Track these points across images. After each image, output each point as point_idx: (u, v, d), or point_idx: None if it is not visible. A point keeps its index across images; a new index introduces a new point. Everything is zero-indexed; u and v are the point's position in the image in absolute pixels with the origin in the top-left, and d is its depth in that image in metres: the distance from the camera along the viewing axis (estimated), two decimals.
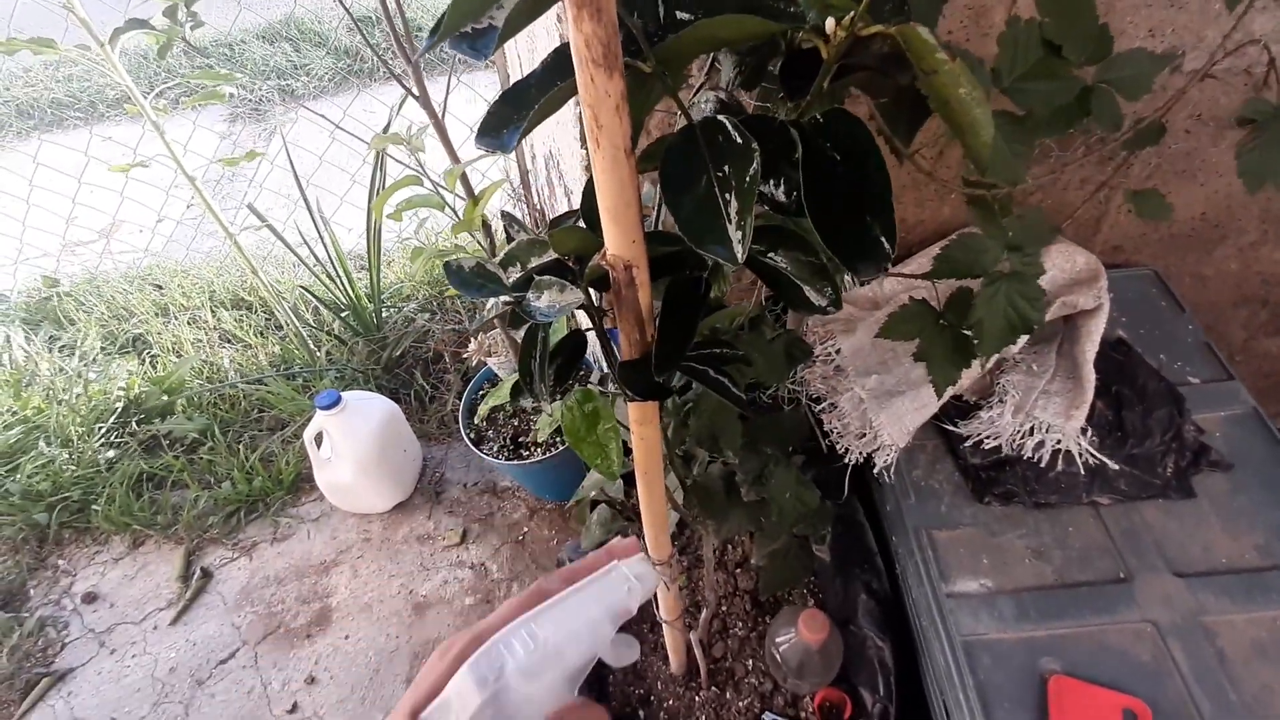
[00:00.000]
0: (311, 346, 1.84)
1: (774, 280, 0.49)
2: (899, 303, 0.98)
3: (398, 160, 1.03)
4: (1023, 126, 0.62)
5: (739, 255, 0.39)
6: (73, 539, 1.63)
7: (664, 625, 0.87)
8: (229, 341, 1.97)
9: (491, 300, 0.52)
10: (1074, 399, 0.90)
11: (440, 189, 1.06)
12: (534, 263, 0.51)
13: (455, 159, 1.19)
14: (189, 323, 1.99)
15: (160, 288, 2.12)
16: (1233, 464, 0.91)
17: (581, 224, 0.52)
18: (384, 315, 1.91)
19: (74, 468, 1.65)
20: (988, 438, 0.93)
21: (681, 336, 0.49)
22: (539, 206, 1.83)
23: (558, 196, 1.53)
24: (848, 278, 0.89)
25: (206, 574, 1.53)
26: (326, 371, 1.80)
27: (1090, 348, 0.90)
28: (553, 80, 0.42)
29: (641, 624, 1.10)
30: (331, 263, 1.79)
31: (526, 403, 0.56)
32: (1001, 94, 0.62)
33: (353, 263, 2.06)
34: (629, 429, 0.61)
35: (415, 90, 1.01)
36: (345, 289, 1.81)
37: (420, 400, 1.79)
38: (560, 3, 0.38)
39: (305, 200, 1.69)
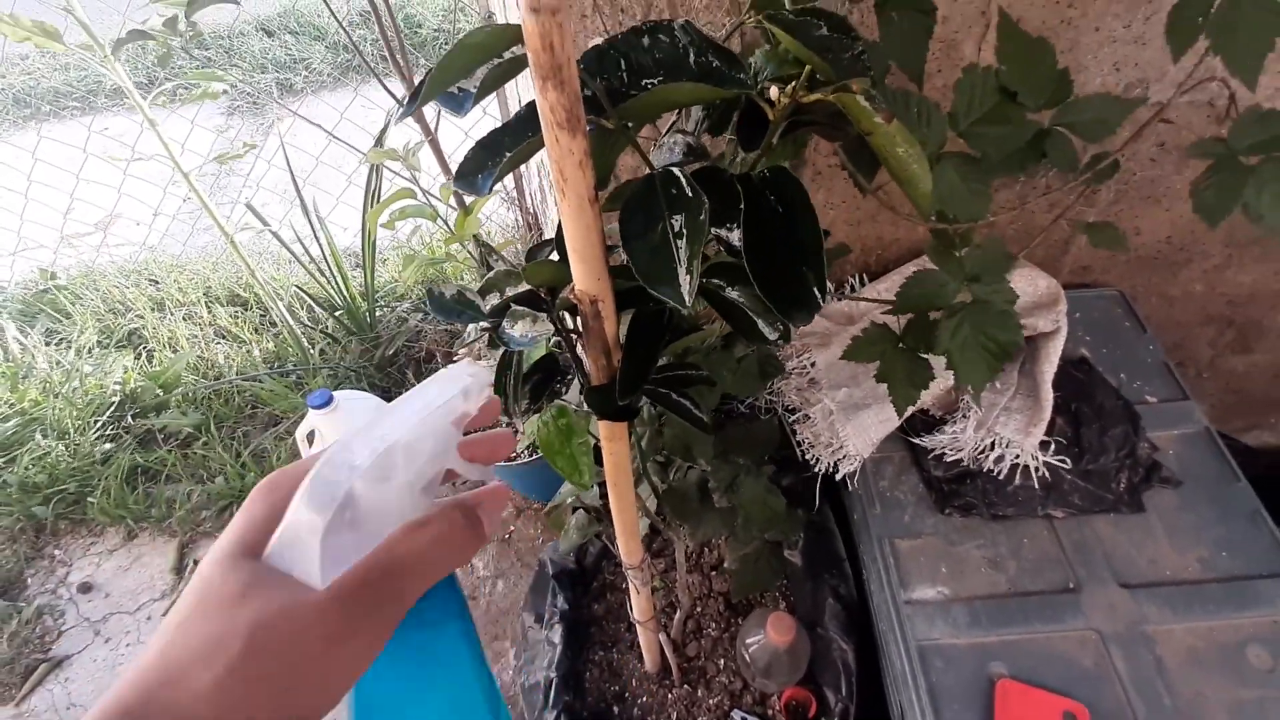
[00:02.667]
0: (305, 344, 1.87)
1: (729, 313, 0.53)
2: (872, 318, 1.02)
3: (393, 170, 1.06)
4: (978, 168, 0.66)
5: (686, 299, 0.43)
6: (69, 530, 1.67)
7: (637, 626, 0.92)
8: (224, 338, 2.00)
9: (470, 326, 0.55)
10: (1033, 416, 0.95)
11: (432, 197, 1.09)
12: (510, 291, 0.55)
13: (449, 173, 1.23)
14: (185, 318, 2.02)
15: (156, 282, 2.15)
16: (1182, 481, 0.95)
17: (555, 256, 0.56)
18: (377, 314, 1.94)
19: (70, 460, 1.68)
20: (951, 451, 0.97)
21: (644, 364, 0.52)
22: (532, 210, 1.87)
23: (549, 204, 1.56)
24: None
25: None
26: (320, 369, 1.83)
27: (1049, 368, 0.94)
28: (525, 131, 0.46)
29: (619, 623, 1.14)
30: (327, 262, 1.83)
31: (502, 418, 0.60)
32: (958, 137, 0.66)
33: (348, 260, 2.10)
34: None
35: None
36: (340, 288, 1.84)
37: None
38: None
39: (301, 201, 1.72)
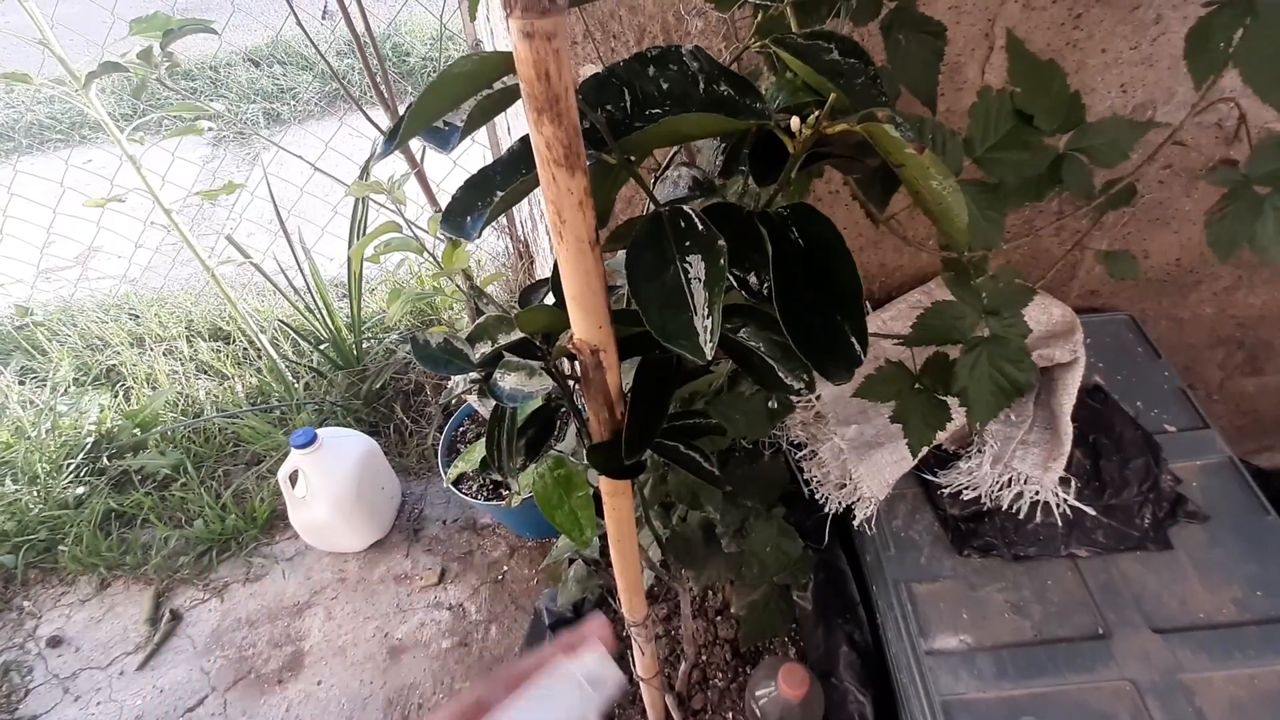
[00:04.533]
0: (290, 379, 1.81)
1: (746, 360, 0.49)
2: (880, 350, 0.98)
3: (379, 203, 1.02)
4: (995, 195, 0.62)
5: (707, 351, 0.38)
6: (38, 579, 1.58)
7: (641, 683, 0.86)
8: (205, 373, 1.93)
9: (458, 377, 0.51)
10: (1052, 450, 0.91)
11: (418, 228, 1.05)
12: (502, 339, 0.50)
13: (436, 205, 1.19)
14: (165, 354, 1.96)
15: (136, 317, 2.09)
16: (1209, 515, 0.91)
17: (551, 299, 0.52)
18: (364, 347, 1.89)
19: (41, 506, 1.61)
20: (967, 488, 0.92)
21: (653, 419, 0.48)
22: (523, 239, 1.83)
23: (540, 232, 1.52)
24: None
25: (176, 616, 1.49)
26: (305, 405, 1.77)
27: (1067, 401, 0.90)
28: (517, 169, 0.41)
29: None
30: (311, 294, 1.77)
31: (495, 475, 0.55)
32: (974, 163, 0.62)
33: (334, 291, 2.05)
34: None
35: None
36: (325, 321, 1.79)
37: (400, 434, 1.77)
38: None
39: (285, 233, 1.67)
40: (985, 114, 0.61)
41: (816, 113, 0.39)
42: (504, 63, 0.34)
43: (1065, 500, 0.90)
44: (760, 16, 0.55)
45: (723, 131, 0.44)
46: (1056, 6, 0.82)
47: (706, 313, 0.39)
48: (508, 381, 0.47)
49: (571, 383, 0.51)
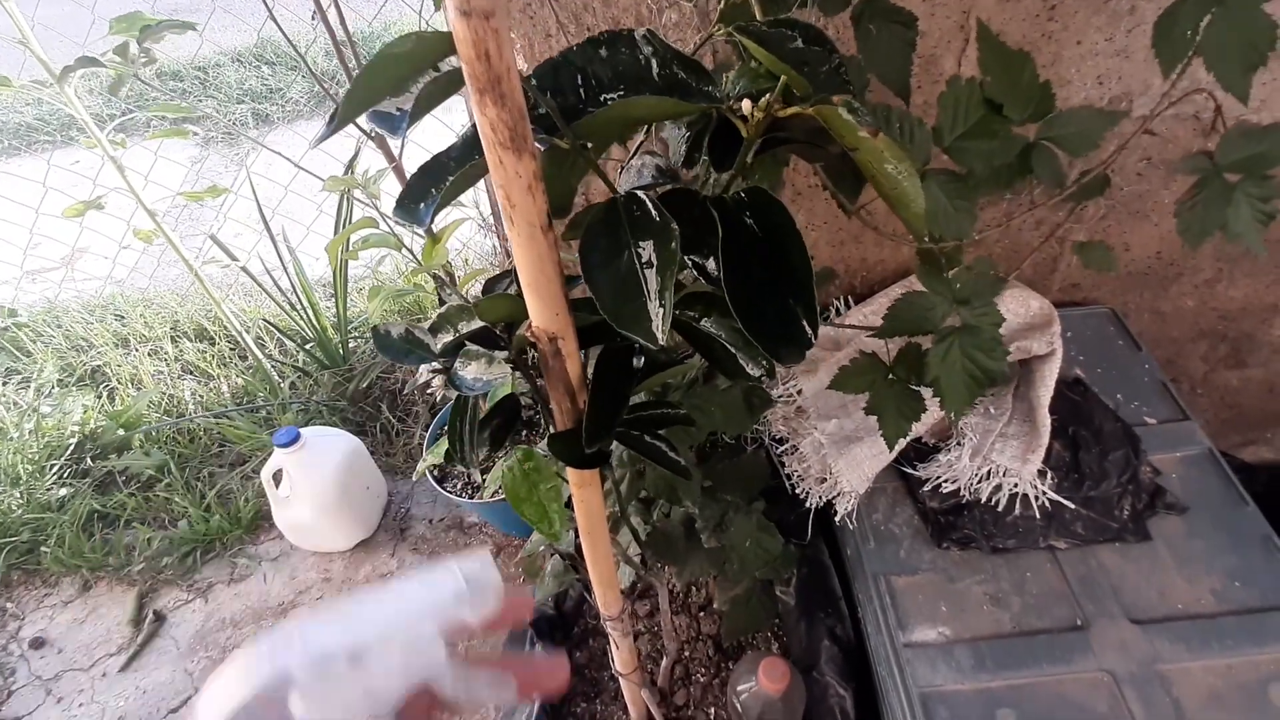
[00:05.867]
0: (275, 379, 1.80)
1: (708, 348, 0.49)
2: (859, 345, 0.98)
3: (364, 202, 1.02)
4: (964, 184, 0.62)
5: (659, 337, 0.38)
6: (21, 581, 1.57)
7: (620, 679, 0.85)
8: (191, 373, 1.92)
9: (422, 367, 0.50)
10: (1030, 442, 0.91)
11: (398, 224, 1.04)
12: (464, 328, 0.50)
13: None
14: (150, 354, 1.95)
15: (121, 318, 2.08)
16: (1188, 506, 0.91)
17: (515, 289, 0.51)
18: (350, 346, 1.88)
19: (24, 507, 1.60)
20: (946, 481, 0.92)
21: (613, 407, 0.47)
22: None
23: None
24: None
25: (159, 617, 1.48)
26: (290, 405, 1.76)
27: (1045, 393, 0.90)
28: (470, 154, 0.41)
29: (601, 670, 1.08)
30: (297, 293, 1.77)
31: (459, 466, 0.54)
32: (943, 152, 0.62)
33: (320, 291, 2.04)
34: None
35: (371, 133, 1.00)
36: (310, 320, 1.78)
37: (387, 433, 1.76)
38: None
39: (270, 234, 1.67)
40: (954, 103, 0.61)
41: (769, 96, 0.39)
42: (443, 42, 0.34)
43: (1044, 492, 0.89)
44: (724, 4, 0.55)
45: (673, 115, 0.44)
46: None
47: (659, 299, 0.38)
48: (469, 371, 0.46)
49: (535, 375, 0.50)
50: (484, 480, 0.97)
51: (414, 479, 1.28)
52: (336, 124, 0.34)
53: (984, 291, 0.65)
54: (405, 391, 1.29)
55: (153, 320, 2.04)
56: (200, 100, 3.37)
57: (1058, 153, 0.66)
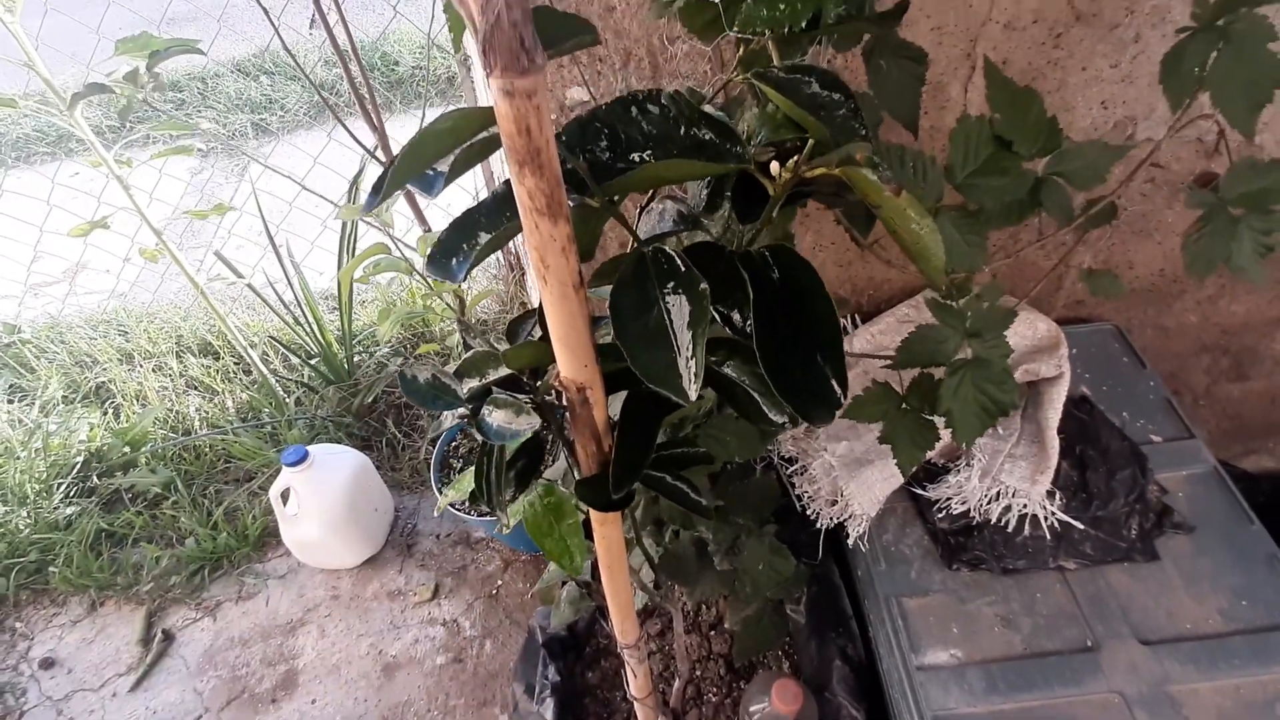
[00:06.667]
0: (281, 394, 1.81)
1: (729, 393, 0.49)
2: (868, 355, 0.98)
3: (369, 222, 1.03)
4: (976, 219, 0.63)
5: (690, 393, 0.39)
6: (30, 600, 1.57)
7: (635, 703, 0.86)
8: (196, 388, 1.92)
9: (447, 413, 0.51)
10: (1039, 463, 0.91)
11: (407, 247, 1.05)
12: (491, 375, 0.50)
13: (424, 224, 1.19)
14: (154, 370, 1.95)
15: (125, 333, 2.08)
16: (1195, 525, 0.92)
17: (538, 332, 0.52)
18: (356, 360, 1.88)
19: (31, 527, 1.60)
20: (956, 502, 0.93)
21: (640, 453, 0.48)
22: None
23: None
24: None
25: (168, 636, 1.48)
26: (296, 421, 1.77)
27: (1053, 415, 0.91)
28: (501, 211, 0.42)
29: (614, 691, 1.08)
30: (301, 308, 1.77)
31: (484, 507, 0.55)
32: (955, 189, 0.63)
33: (324, 304, 2.04)
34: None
35: (383, 157, 1.00)
36: (315, 335, 1.79)
37: (393, 448, 1.77)
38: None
39: (275, 250, 1.67)
40: (965, 140, 0.62)
41: (796, 157, 0.39)
42: (484, 118, 0.34)
43: (1053, 513, 0.90)
44: (742, 50, 0.56)
45: (703, 175, 0.45)
46: (1036, 26, 0.83)
47: (690, 354, 0.39)
48: (495, 418, 0.47)
49: (559, 417, 0.51)
50: (504, 521, 0.97)
51: (435, 514, 1.29)
52: (383, 195, 0.35)
53: (995, 325, 0.66)
54: (431, 436, 1.30)
55: (156, 335, 2.04)
56: (200, 110, 3.37)
57: (1065, 186, 0.67)
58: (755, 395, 0.49)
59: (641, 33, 0.82)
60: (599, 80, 0.86)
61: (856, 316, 1.15)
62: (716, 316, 0.43)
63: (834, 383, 0.37)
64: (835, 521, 0.95)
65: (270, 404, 1.82)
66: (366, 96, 1.12)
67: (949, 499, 0.93)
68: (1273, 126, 0.93)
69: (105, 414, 1.86)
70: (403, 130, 1.62)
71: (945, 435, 0.92)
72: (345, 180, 1.80)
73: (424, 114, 1.52)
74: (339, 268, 1.74)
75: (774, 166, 0.40)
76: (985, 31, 0.84)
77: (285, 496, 1.42)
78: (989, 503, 0.92)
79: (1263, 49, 0.56)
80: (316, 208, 2.11)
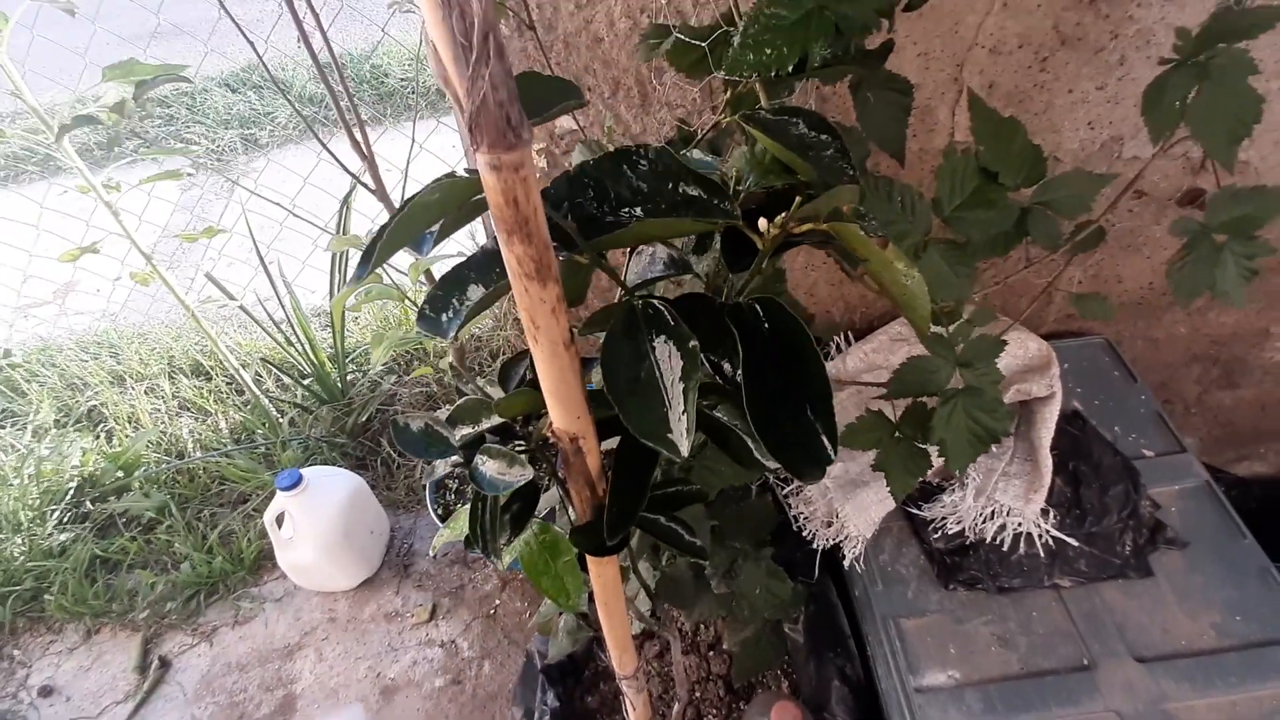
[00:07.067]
0: (274, 415, 1.80)
1: (722, 438, 0.49)
2: (859, 384, 0.99)
3: (363, 244, 1.02)
4: (964, 252, 0.63)
5: (683, 448, 0.39)
6: (26, 628, 1.56)
7: None
8: (188, 410, 1.92)
9: (440, 461, 0.51)
10: (1032, 481, 0.92)
11: (399, 271, 1.05)
12: (484, 423, 0.50)
13: (415, 251, 1.18)
14: (146, 392, 1.94)
15: (117, 355, 2.07)
16: (1188, 541, 0.93)
17: (530, 374, 0.52)
18: (349, 379, 1.88)
19: (26, 554, 1.59)
20: (951, 521, 0.94)
21: (634, 499, 0.48)
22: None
23: None
24: None
25: (165, 663, 1.47)
26: (290, 441, 1.76)
27: (1046, 434, 0.92)
28: (492, 268, 0.42)
29: (613, 715, 1.08)
30: (293, 328, 1.77)
31: (477, 551, 0.55)
32: (943, 223, 0.64)
33: (316, 321, 2.03)
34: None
35: (372, 185, 1.00)
36: (308, 355, 1.78)
37: (388, 467, 1.76)
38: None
39: (266, 271, 1.67)
40: (951, 174, 0.63)
41: (784, 214, 0.40)
42: (471, 187, 0.35)
43: (1047, 530, 0.91)
44: (729, 93, 0.56)
45: (691, 233, 0.45)
46: (1022, 51, 0.84)
47: (682, 409, 0.39)
48: (489, 469, 0.47)
49: (553, 462, 0.51)
50: (499, 566, 0.96)
51: (431, 554, 1.29)
52: (372, 266, 0.35)
53: (985, 354, 0.66)
54: (424, 482, 1.29)
55: (148, 357, 2.03)
56: (189, 127, 3.36)
57: (1051, 215, 0.67)
58: (748, 440, 0.49)
59: (630, 63, 0.82)
60: (589, 110, 0.87)
61: (849, 334, 1.15)
62: (707, 365, 0.43)
63: (824, 438, 0.38)
64: (831, 542, 0.95)
65: (264, 425, 1.81)
66: (353, 120, 1.12)
67: (944, 519, 0.93)
68: (1258, 143, 0.94)
69: (98, 438, 1.85)
70: (392, 145, 1.62)
71: (937, 461, 0.92)
72: (336, 199, 1.80)
73: (414, 128, 1.51)
74: (331, 292, 1.74)
75: (762, 223, 0.40)
76: (971, 56, 0.84)
77: (280, 520, 1.41)
78: (984, 522, 0.92)
79: (1243, 84, 0.56)
80: (308, 225, 2.11)
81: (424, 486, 1.67)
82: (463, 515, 1.01)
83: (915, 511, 0.97)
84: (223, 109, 3.46)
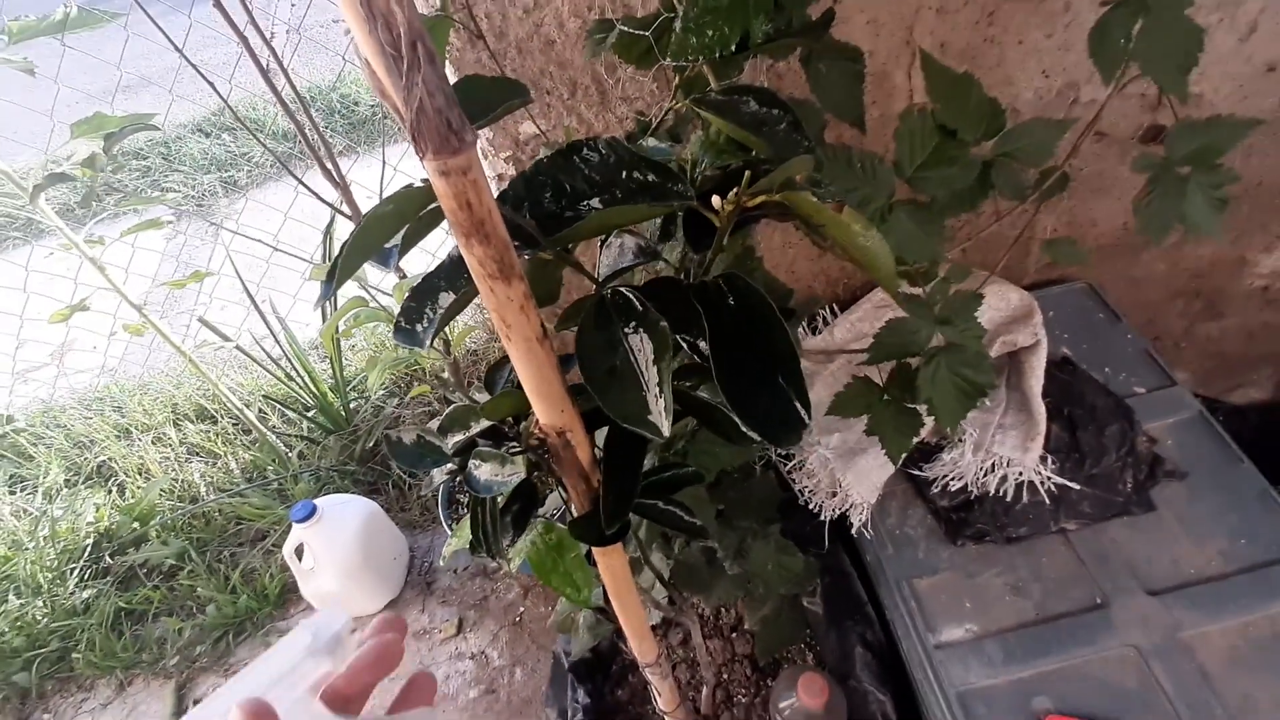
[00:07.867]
0: (283, 450, 1.81)
1: (708, 417, 0.51)
2: (849, 351, 1.00)
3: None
4: (930, 211, 0.64)
5: (664, 428, 0.40)
6: (56, 690, 1.58)
7: (666, 717, 0.87)
8: (198, 454, 1.93)
9: (435, 470, 0.52)
10: (1029, 431, 0.93)
11: (385, 294, 1.06)
12: (474, 428, 0.52)
13: (400, 272, 1.19)
14: (154, 441, 1.95)
15: (120, 409, 2.08)
16: (1187, 471, 0.94)
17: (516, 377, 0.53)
18: (352, 407, 1.89)
19: (49, 616, 1.60)
20: (953, 479, 0.95)
21: (627, 486, 0.49)
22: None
23: None
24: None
25: None
26: (301, 474, 1.77)
27: (1035, 382, 0.93)
28: (459, 274, 0.43)
29: (645, 704, 1.10)
30: (291, 363, 1.78)
31: (483, 557, 0.56)
32: (906, 184, 0.64)
33: (313, 354, 2.05)
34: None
35: (348, 211, 1.01)
36: (309, 388, 1.80)
37: (400, 488, 1.77)
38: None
39: (257, 308, 1.68)
40: (910, 135, 0.63)
41: (736, 189, 0.41)
42: (425, 196, 0.36)
43: (1048, 477, 0.92)
44: (678, 78, 0.57)
45: (649, 218, 0.46)
46: (969, 8, 0.85)
47: (659, 390, 0.40)
48: (482, 472, 0.48)
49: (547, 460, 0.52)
50: (505, 567, 0.98)
51: (441, 564, 1.30)
52: (336, 284, 0.36)
53: (963, 309, 0.67)
54: (424, 493, 1.30)
55: (151, 407, 2.05)
56: (166, 176, 3.37)
57: (1015, 166, 0.68)
58: (733, 415, 0.50)
59: (585, 62, 0.83)
60: (549, 112, 0.88)
61: (835, 305, 1.16)
62: (684, 346, 0.44)
63: (796, 404, 0.39)
64: (838, 512, 0.96)
65: (273, 461, 1.83)
66: (323, 151, 1.13)
67: (945, 476, 0.95)
68: (1209, 76, 0.95)
69: (110, 492, 1.86)
70: (367, 172, 1.63)
71: (930, 421, 0.93)
72: (319, 230, 1.81)
73: (383, 155, 1.53)
74: (323, 316, 1.75)
75: (715, 200, 0.41)
76: (920, 18, 0.85)
77: (299, 552, 1.43)
78: (985, 475, 0.93)
79: (1180, 15, 0.57)
80: (295, 261, 2.12)
81: (437, 503, 1.69)
82: (465, 528, 1.03)
83: (916, 473, 0.98)
84: (198, 154, 3.47)
